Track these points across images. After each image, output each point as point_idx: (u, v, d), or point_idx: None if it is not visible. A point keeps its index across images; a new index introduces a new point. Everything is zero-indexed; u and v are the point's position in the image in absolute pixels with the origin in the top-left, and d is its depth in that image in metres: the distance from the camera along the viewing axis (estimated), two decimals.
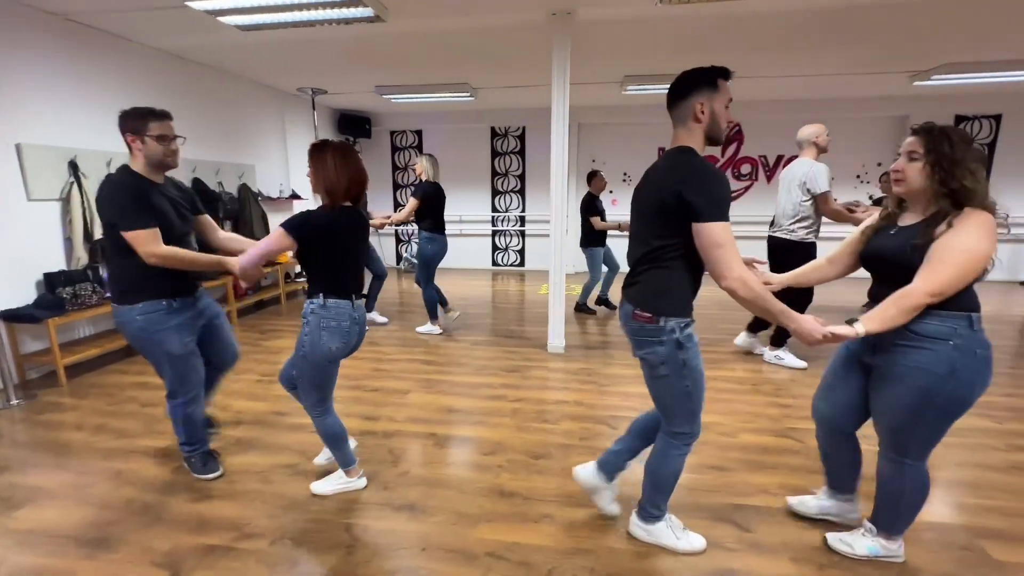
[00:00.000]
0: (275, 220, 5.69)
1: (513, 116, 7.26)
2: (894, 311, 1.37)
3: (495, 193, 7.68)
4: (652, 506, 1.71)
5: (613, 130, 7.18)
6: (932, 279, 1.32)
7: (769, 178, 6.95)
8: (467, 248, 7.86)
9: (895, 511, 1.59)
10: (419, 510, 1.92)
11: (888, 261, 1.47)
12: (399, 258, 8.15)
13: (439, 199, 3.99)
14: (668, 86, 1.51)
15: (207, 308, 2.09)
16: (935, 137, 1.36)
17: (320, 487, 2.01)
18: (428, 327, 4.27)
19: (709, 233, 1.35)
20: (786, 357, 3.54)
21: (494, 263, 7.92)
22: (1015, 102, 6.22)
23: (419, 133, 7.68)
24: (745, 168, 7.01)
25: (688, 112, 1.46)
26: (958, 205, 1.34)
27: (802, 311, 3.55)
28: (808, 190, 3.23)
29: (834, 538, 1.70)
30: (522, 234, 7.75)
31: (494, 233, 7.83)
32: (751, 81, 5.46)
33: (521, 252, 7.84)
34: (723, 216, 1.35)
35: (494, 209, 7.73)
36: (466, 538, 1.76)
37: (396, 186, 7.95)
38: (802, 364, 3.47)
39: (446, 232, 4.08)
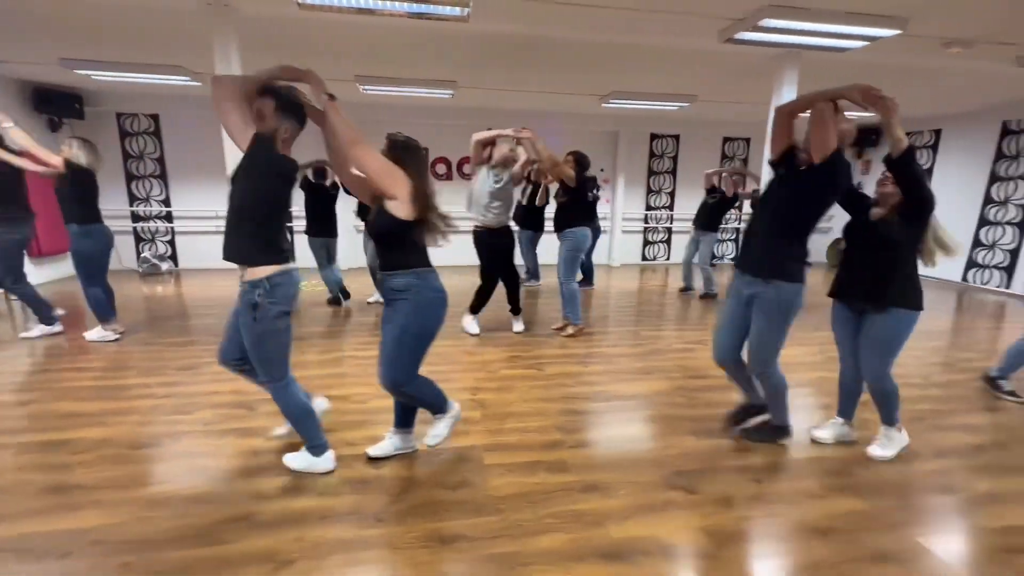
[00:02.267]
0: None
1: None
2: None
3: None
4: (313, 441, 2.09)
5: (383, 129, 7.30)
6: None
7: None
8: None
9: (427, 405, 2.17)
10: None
11: None
12: (140, 258, 7.12)
13: (94, 188, 3.63)
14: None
15: None
16: (393, 144, 1.96)
17: None
18: (99, 332, 3.83)
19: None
20: (469, 326, 4.15)
21: None
22: (688, 127, 8.13)
23: (155, 118, 6.81)
24: None
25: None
26: None
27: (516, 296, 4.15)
28: None
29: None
30: (290, 229, 7.44)
31: None
32: (490, 92, 6.15)
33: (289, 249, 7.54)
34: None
35: None
36: None
37: (130, 177, 6.93)
38: (476, 330, 4.12)
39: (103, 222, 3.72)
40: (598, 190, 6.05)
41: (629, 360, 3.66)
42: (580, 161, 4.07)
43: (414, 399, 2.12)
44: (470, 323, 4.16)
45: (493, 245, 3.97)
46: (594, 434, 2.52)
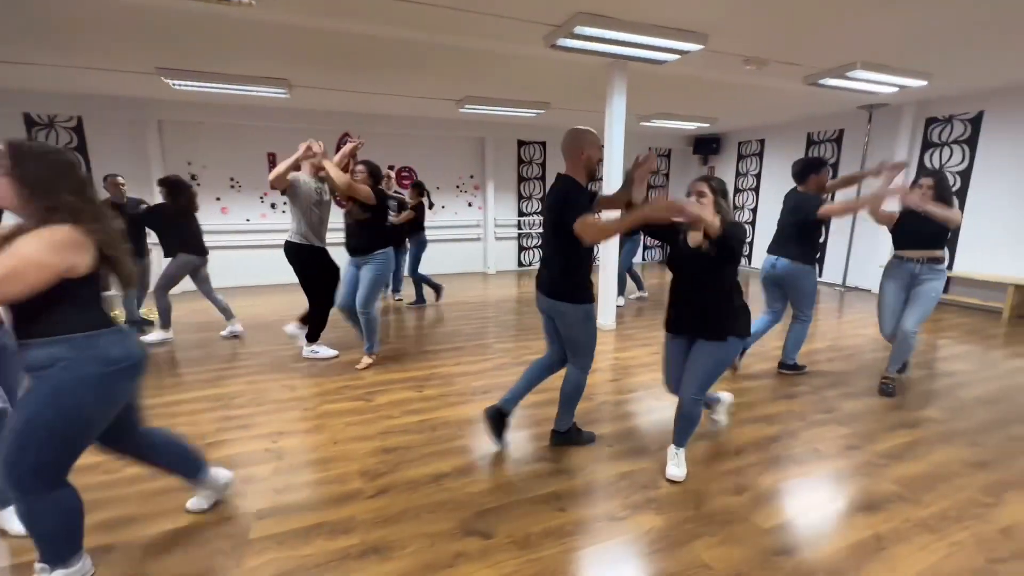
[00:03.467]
0: None
1: (60, 103, 5.71)
2: None
3: None
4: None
5: (214, 131, 6.44)
6: None
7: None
8: None
9: (39, 542, 1.47)
10: None
11: None
12: None
13: None
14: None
15: None
16: (15, 155, 1.34)
17: None
18: None
19: None
20: (320, 350, 3.77)
21: None
22: (554, 134, 8.29)
23: None
24: None
25: None
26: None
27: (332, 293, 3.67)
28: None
29: None
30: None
31: None
32: (332, 93, 5.62)
33: None
34: None
35: None
36: None
37: None
38: (333, 352, 3.80)
39: None
40: (428, 196, 5.59)
41: (470, 379, 3.45)
42: (372, 173, 3.50)
43: (26, 522, 1.45)
44: (320, 349, 3.78)
45: (327, 264, 3.60)
46: (401, 475, 2.24)
